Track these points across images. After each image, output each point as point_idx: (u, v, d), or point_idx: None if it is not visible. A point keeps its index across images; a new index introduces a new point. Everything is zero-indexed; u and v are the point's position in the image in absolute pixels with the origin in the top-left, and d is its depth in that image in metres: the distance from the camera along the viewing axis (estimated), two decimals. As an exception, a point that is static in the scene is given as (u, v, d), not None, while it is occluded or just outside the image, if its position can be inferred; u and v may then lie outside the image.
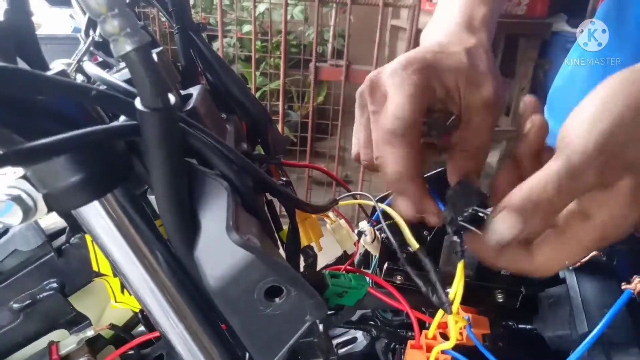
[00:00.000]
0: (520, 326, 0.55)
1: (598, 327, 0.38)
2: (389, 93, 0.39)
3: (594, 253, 0.50)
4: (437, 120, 0.40)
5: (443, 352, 0.43)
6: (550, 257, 0.34)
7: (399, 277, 0.55)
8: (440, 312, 0.42)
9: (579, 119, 0.32)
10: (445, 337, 0.46)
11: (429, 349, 0.44)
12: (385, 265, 0.56)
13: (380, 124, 0.39)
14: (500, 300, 0.54)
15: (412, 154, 0.37)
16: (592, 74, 0.69)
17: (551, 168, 0.31)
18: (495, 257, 0.35)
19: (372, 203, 0.53)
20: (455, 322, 0.40)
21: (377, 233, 0.58)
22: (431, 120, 0.40)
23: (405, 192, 0.38)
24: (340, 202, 0.55)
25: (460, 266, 0.38)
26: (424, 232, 0.57)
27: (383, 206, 0.48)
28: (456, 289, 0.38)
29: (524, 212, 0.32)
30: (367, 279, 0.49)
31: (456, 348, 0.42)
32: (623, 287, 0.41)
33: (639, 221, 0.32)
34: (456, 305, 0.38)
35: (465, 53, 0.41)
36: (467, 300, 0.48)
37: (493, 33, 0.48)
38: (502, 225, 0.32)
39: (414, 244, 0.41)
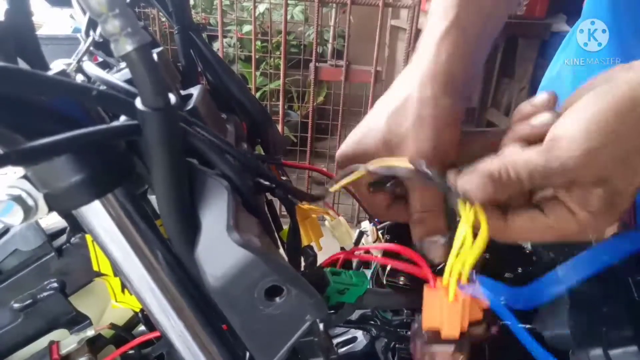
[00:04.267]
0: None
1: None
2: None
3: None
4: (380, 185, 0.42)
5: (461, 288, 0.43)
6: (522, 228, 0.37)
7: (402, 278, 0.55)
8: (452, 255, 0.41)
9: (574, 125, 0.32)
10: None
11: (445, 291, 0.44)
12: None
13: None
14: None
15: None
16: (584, 75, 0.69)
17: (532, 157, 0.33)
18: None
19: (363, 171, 0.52)
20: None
21: (379, 233, 0.58)
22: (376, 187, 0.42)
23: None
24: (334, 187, 0.55)
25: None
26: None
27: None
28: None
29: (496, 182, 0.34)
30: (368, 276, 0.49)
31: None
32: None
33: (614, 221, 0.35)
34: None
35: (384, 120, 0.40)
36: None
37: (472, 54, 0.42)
38: (469, 183, 0.35)
39: (408, 164, 0.39)
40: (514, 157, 0.34)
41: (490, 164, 0.34)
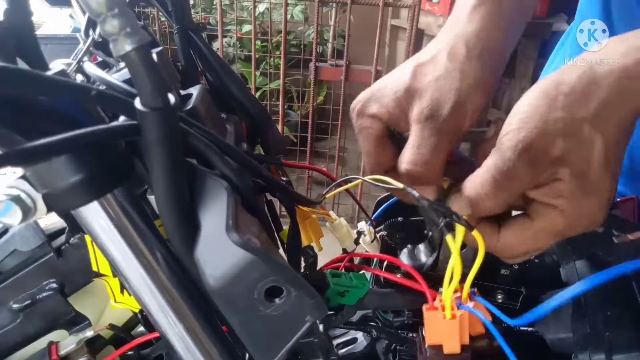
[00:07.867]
0: (521, 328, 0.55)
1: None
2: None
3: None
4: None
5: (459, 307, 0.44)
6: (514, 239, 0.37)
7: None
8: (449, 269, 0.40)
9: (514, 117, 0.34)
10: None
11: (444, 309, 0.44)
12: (386, 263, 0.56)
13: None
14: (500, 301, 0.54)
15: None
16: None
17: (487, 165, 0.34)
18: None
19: (359, 181, 0.52)
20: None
21: (376, 233, 0.58)
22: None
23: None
24: (330, 194, 0.55)
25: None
26: (425, 231, 0.57)
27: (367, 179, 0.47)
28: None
29: (473, 199, 0.35)
30: (368, 278, 0.49)
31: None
32: None
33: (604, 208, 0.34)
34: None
35: (411, 69, 0.39)
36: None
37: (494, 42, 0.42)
38: (456, 205, 0.36)
39: (400, 185, 0.39)
40: (473, 176, 0.35)
41: (464, 186, 0.36)
